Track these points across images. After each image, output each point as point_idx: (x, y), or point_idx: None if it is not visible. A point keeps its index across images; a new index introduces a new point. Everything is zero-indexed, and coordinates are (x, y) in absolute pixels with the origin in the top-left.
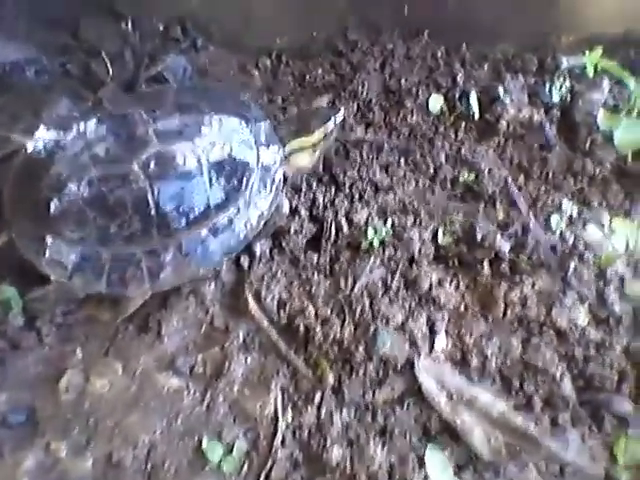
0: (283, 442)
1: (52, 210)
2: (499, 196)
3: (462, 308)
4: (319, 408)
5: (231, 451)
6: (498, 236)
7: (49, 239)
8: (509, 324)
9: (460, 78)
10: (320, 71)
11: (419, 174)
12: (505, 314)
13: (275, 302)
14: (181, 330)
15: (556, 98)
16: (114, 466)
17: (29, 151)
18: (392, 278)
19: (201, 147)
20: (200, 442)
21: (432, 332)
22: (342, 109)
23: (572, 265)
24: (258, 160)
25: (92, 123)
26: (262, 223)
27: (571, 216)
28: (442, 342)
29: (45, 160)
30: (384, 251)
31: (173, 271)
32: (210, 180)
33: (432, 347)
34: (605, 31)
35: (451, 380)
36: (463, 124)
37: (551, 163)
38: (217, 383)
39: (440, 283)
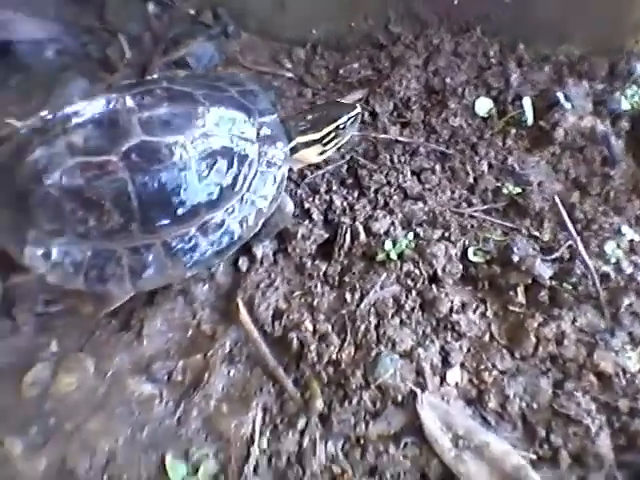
0: (256, 469)
1: (29, 202)
2: (547, 214)
3: (486, 339)
4: (302, 435)
5: (196, 472)
6: (538, 260)
7: (29, 232)
8: (540, 363)
9: (514, 80)
10: (356, 65)
11: (456, 183)
12: (536, 351)
13: (270, 311)
14: (165, 332)
15: (626, 107)
16: (67, 473)
17: (19, 136)
18: (407, 297)
19: (190, 139)
20: (164, 458)
21: (445, 363)
22: (358, 107)
23: (626, 301)
24: (259, 156)
25: (76, 107)
26: (260, 223)
27: (632, 242)
28: (456, 376)
29: (28, 147)
30: (402, 266)
31: (157, 271)
32: (200, 175)
33: (443, 380)
34: None
35: (460, 421)
36: (513, 131)
37: (614, 181)
38: (194, 394)
39: (463, 308)
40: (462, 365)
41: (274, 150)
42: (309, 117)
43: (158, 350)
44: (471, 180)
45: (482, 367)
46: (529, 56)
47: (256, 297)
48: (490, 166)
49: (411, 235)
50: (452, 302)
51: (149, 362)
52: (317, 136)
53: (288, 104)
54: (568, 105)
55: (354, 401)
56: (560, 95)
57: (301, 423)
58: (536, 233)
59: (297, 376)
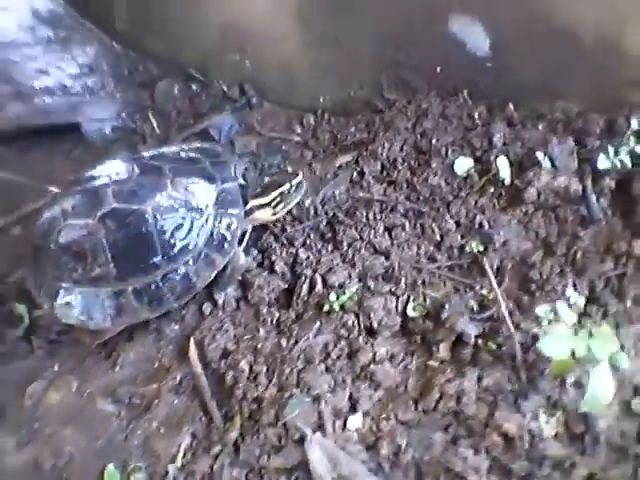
0: None
1: (41, 255)
2: (509, 272)
3: (400, 390)
4: (215, 459)
5: None
6: (465, 317)
7: (42, 278)
8: (441, 418)
9: (498, 139)
10: (353, 129)
11: (424, 239)
12: (437, 405)
13: (219, 351)
14: (135, 362)
15: (604, 166)
16: (37, 468)
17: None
18: (335, 346)
19: (152, 206)
20: (106, 466)
21: (351, 410)
22: (300, 175)
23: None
24: (215, 217)
25: (79, 177)
26: (213, 274)
27: (569, 305)
28: (357, 422)
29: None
30: (342, 316)
31: (128, 312)
32: (160, 235)
33: (345, 425)
34: None
35: (347, 463)
36: (491, 190)
37: (582, 241)
38: (143, 417)
39: (391, 359)
40: (367, 412)
41: (229, 212)
42: (261, 184)
43: (127, 377)
44: (438, 237)
45: (384, 416)
46: (521, 115)
47: (207, 338)
48: (458, 224)
49: (354, 288)
50: (375, 353)
51: (117, 386)
52: (266, 200)
53: (291, 165)
54: (547, 163)
55: (262, 435)
56: (539, 154)
57: (216, 449)
58: (484, 291)
59: (227, 409)
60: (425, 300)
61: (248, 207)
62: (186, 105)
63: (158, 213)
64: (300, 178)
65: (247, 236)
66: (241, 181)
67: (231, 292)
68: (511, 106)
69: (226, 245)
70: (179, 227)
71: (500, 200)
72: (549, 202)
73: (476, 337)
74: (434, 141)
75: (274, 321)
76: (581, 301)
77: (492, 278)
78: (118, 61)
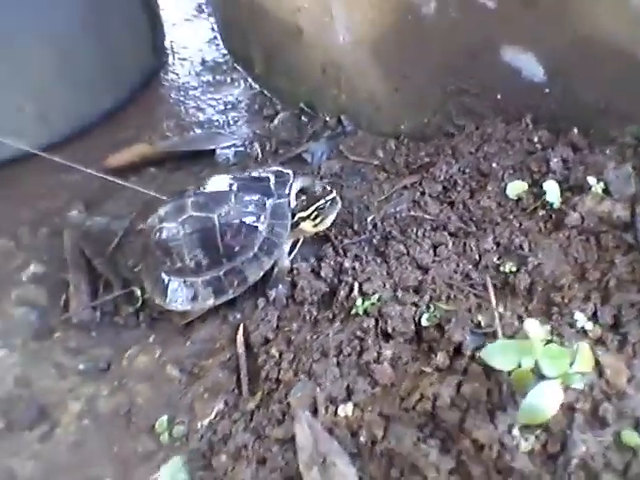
0: (201, 438)
1: (146, 250)
2: (539, 294)
3: (394, 389)
4: (234, 424)
5: (171, 431)
6: (465, 330)
7: (147, 268)
8: (418, 417)
9: (555, 164)
10: (423, 153)
11: (463, 258)
12: (416, 405)
13: (261, 338)
14: (202, 341)
15: None
16: (116, 411)
17: None
18: (348, 344)
19: (218, 214)
20: (159, 417)
21: (345, 399)
22: (333, 192)
23: None
24: (267, 227)
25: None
26: (262, 273)
27: (584, 330)
28: (348, 410)
29: None
30: (363, 320)
31: (199, 299)
32: (223, 238)
33: (336, 411)
34: None
35: (327, 442)
36: (541, 213)
37: (616, 268)
38: (194, 383)
39: (386, 360)
40: (357, 403)
41: (279, 222)
42: (305, 200)
43: (194, 352)
44: (476, 256)
45: (370, 408)
46: (590, 139)
47: (253, 326)
48: (498, 245)
49: (380, 296)
50: (380, 354)
51: (185, 358)
52: (306, 214)
53: (367, 186)
54: (598, 188)
55: (271, 410)
56: (591, 178)
57: (237, 416)
58: (500, 310)
59: (254, 386)
60: (438, 312)
61: (295, 220)
62: (293, 134)
63: (222, 221)
64: (333, 195)
65: (298, 245)
66: (303, 197)
67: (282, 290)
68: (575, 130)
69: (274, 250)
70: (238, 233)
71: (547, 223)
72: (591, 227)
73: (475, 349)
74: (494, 165)
75: (312, 319)
76: (589, 325)
77: (492, 294)
78: (253, 99)
